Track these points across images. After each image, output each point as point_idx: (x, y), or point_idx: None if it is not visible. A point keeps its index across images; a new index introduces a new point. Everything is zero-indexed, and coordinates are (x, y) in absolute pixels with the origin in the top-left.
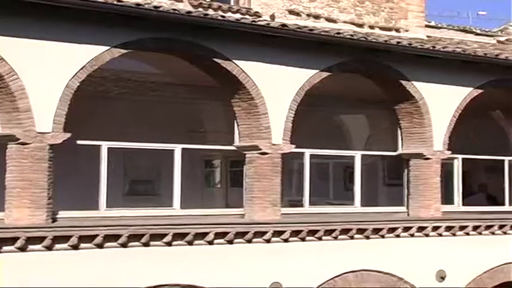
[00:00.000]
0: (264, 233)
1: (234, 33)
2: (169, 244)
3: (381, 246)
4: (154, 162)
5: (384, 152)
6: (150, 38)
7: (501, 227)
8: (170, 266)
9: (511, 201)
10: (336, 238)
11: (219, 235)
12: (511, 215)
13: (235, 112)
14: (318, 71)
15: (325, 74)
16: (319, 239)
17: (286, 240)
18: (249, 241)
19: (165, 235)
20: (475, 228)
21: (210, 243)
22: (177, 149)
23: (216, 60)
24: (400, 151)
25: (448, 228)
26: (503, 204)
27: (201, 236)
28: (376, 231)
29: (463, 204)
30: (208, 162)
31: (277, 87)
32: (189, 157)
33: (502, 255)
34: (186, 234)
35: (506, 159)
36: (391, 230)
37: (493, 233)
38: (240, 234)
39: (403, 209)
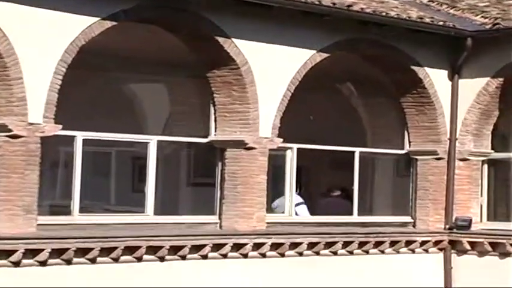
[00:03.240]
0: (12, 252)
1: None
2: None
3: (181, 269)
4: None
5: (191, 138)
6: None
7: (346, 244)
8: None
9: (360, 209)
10: (116, 260)
11: None
12: (361, 229)
13: None
14: (98, 19)
15: (109, 24)
16: (93, 261)
17: (43, 263)
18: None
19: None
20: (311, 245)
21: None
22: None
23: None
24: (212, 137)
25: (275, 246)
26: (350, 213)
27: None
28: (175, 249)
29: (297, 213)
30: None
31: (37, 40)
32: None
33: (348, 283)
34: None
35: (357, 150)
36: (196, 248)
37: (335, 253)
38: None
39: (214, 218)
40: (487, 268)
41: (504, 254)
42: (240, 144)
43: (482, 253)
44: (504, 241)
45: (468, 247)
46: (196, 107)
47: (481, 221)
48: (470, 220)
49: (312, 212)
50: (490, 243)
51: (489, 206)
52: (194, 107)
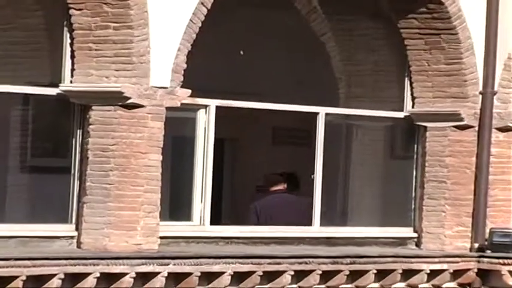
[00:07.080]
0: None
1: None
2: None
3: None
4: None
5: (31, 88)
6: None
7: (300, 275)
8: None
9: (326, 216)
10: None
11: None
12: (326, 250)
13: None
14: None
15: None
16: None
17: None
18: None
19: None
20: (239, 277)
21: None
22: None
23: None
24: (68, 86)
25: (175, 279)
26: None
27: None
28: (1, 282)
29: (215, 222)
30: None
31: None
32: None
33: None
34: None
35: (322, 111)
36: (37, 280)
37: None
38: None
39: (67, 229)
40: None
41: None
42: (116, 99)
43: None
44: None
45: (511, 281)
46: (41, 33)
47: None
48: None
49: (244, 219)
50: None
51: None
52: (37, 33)
